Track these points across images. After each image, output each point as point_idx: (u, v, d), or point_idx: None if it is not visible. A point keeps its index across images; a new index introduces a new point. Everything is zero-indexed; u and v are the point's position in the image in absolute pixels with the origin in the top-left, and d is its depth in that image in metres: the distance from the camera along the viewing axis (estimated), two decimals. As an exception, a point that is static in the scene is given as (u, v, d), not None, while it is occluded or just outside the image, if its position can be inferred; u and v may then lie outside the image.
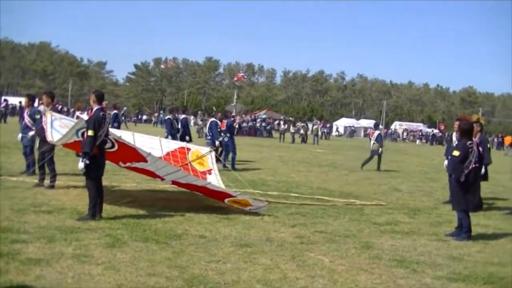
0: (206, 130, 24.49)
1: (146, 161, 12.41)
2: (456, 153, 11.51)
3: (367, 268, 8.80)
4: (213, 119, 24.73)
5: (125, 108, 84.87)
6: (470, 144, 11.51)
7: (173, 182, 13.58)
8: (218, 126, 23.52)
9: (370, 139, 27.93)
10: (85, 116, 11.16)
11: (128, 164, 13.09)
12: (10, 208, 11.56)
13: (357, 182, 21.44)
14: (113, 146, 11.87)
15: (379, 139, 26.22)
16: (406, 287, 8.03)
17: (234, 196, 13.05)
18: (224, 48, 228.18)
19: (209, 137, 23.54)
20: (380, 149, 26.01)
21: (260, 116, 70.81)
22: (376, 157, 26.43)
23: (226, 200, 13.24)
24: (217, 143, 22.71)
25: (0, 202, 12.20)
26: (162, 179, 13.50)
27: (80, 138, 11.63)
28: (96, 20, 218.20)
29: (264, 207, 13.45)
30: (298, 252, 9.52)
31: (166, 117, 23.55)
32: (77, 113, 21.62)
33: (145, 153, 12.34)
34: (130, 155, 12.40)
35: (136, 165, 12.88)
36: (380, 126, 38.40)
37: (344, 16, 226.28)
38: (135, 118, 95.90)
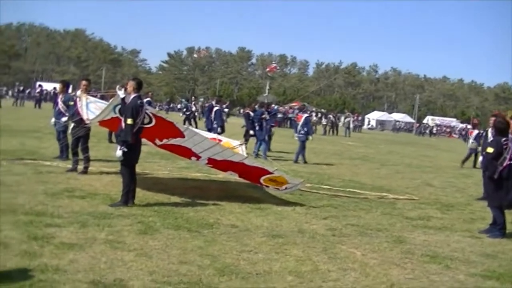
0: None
1: (183, 136, 12.32)
2: (490, 149, 11.36)
3: (399, 263, 8.72)
4: (218, 107, 24.43)
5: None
6: (505, 141, 11.36)
7: (209, 161, 13.31)
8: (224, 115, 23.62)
9: (469, 138, 28.00)
10: (121, 93, 11.10)
11: (164, 141, 12.97)
12: (44, 193, 11.66)
13: (388, 175, 21.33)
14: (150, 121, 11.82)
15: (477, 138, 25.91)
16: (439, 283, 7.92)
17: (270, 173, 12.95)
18: (257, 38, 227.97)
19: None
20: (477, 147, 25.67)
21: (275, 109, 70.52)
22: (472, 155, 26.55)
23: (262, 179, 13.17)
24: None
25: (35, 186, 12.33)
26: (198, 158, 13.28)
27: (117, 115, 11.62)
28: (131, 8, 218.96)
29: (300, 184, 13.41)
30: (330, 245, 9.46)
31: (215, 108, 23.47)
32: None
33: (183, 127, 12.34)
34: (167, 130, 12.33)
35: (172, 142, 12.77)
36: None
37: (378, 9, 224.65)
38: (167, 107, 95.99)
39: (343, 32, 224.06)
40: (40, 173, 14.22)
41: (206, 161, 13.40)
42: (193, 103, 47.91)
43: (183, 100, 63.49)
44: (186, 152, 13.22)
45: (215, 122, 22.76)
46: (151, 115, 11.82)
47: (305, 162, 23.04)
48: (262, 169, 13.05)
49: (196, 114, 44.79)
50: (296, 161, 22.88)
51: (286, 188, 13.40)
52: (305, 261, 8.33)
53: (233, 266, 7.76)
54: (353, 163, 25.48)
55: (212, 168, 14.22)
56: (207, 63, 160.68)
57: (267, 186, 13.56)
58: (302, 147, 23.37)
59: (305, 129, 23.56)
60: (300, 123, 24.02)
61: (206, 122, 23.95)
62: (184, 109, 45.40)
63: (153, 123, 11.91)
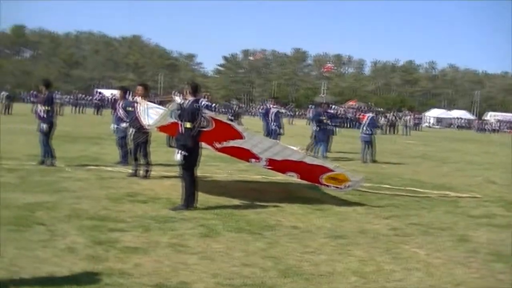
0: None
1: (242, 137, 12.37)
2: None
3: (464, 262, 8.59)
4: (276, 108, 24.34)
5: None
6: None
7: (269, 162, 13.30)
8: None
9: None
10: (178, 99, 11.20)
11: (224, 143, 13.03)
12: (107, 198, 11.84)
13: (449, 173, 21.06)
14: (208, 125, 11.90)
15: None
16: (506, 282, 7.79)
17: (331, 170, 12.90)
18: (312, 39, 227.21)
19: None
20: None
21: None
22: None
23: (322, 178, 13.11)
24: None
25: (98, 192, 12.53)
26: (258, 159, 13.28)
27: (175, 120, 11.72)
28: (185, 12, 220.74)
29: (362, 180, 13.34)
30: (393, 245, 9.38)
31: (274, 110, 23.46)
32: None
33: (241, 128, 12.38)
34: (226, 132, 12.40)
35: (232, 144, 12.83)
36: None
37: (434, 5, 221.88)
38: (223, 110, 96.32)
39: (400, 30, 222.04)
40: (102, 178, 14.44)
41: (266, 163, 13.38)
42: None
43: (234, 102, 63.56)
44: (245, 154, 13.23)
45: (274, 124, 22.74)
46: (209, 118, 11.90)
47: (374, 161, 23.00)
48: (323, 167, 13.01)
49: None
50: (365, 161, 22.87)
51: (347, 186, 13.33)
52: (368, 262, 8.27)
53: (296, 267, 7.75)
54: (413, 162, 25.22)
55: (272, 170, 14.22)
56: (263, 65, 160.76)
57: (327, 186, 13.50)
58: (368, 147, 23.33)
59: (370, 129, 23.52)
60: (365, 122, 23.94)
61: (265, 125, 23.90)
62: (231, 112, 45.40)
63: (212, 126, 11.99)
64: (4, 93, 49.50)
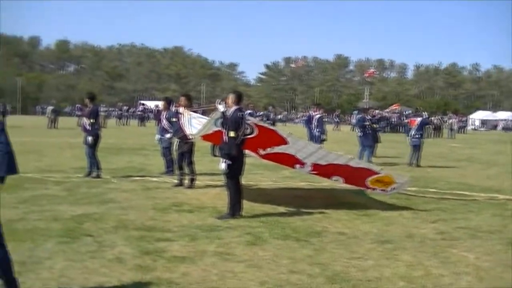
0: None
1: (286, 142, 12.36)
2: None
3: (515, 265, 8.47)
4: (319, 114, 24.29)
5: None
6: None
7: (314, 167, 13.22)
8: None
9: None
10: (221, 107, 11.23)
11: (268, 150, 13.02)
12: (153, 208, 11.93)
13: (497, 176, 20.75)
14: (252, 132, 11.93)
15: None
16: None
17: (377, 173, 12.84)
18: (354, 44, 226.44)
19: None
20: None
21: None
22: None
23: (368, 181, 13.05)
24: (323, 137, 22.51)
25: (144, 202, 12.64)
26: (302, 164, 13.21)
27: (219, 128, 11.77)
28: (227, 22, 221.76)
29: (408, 182, 13.24)
30: (441, 249, 9.27)
31: (317, 116, 23.40)
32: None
33: (285, 133, 12.38)
34: (270, 138, 12.42)
35: (276, 150, 12.82)
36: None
37: (476, 7, 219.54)
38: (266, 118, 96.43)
39: (442, 32, 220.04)
40: (148, 189, 14.57)
41: (311, 168, 13.32)
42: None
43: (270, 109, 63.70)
44: (289, 160, 13.20)
45: (317, 130, 22.66)
46: (252, 125, 11.94)
47: (418, 166, 22.85)
48: (368, 169, 12.94)
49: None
50: (410, 164, 22.76)
51: (393, 189, 13.24)
52: (416, 266, 8.18)
53: (343, 273, 7.70)
54: (459, 165, 24.95)
55: (317, 175, 14.18)
56: (304, 72, 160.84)
57: (373, 189, 13.42)
58: (415, 151, 23.22)
59: (420, 133, 23.42)
60: (415, 127, 23.80)
61: (308, 132, 23.81)
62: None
63: (255, 133, 12.02)
64: (50, 108, 50.26)
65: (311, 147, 12.89)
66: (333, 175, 13.53)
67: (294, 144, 12.45)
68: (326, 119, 25.24)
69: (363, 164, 13.58)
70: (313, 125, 22.68)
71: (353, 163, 12.88)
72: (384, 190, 13.42)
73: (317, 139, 21.37)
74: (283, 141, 12.34)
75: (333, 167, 12.99)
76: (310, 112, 24.86)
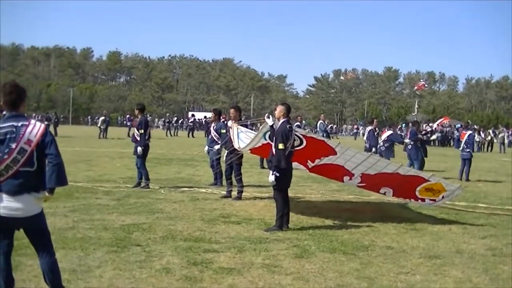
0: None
1: (335, 153, 12.29)
2: None
3: None
4: (370, 127, 24.29)
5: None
6: None
7: (362, 178, 13.09)
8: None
9: None
10: (270, 121, 11.27)
11: (316, 161, 12.96)
12: (201, 219, 11.99)
13: (550, 191, 20.36)
14: (301, 143, 11.93)
15: None
16: None
17: (427, 180, 12.64)
18: (404, 57, 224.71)
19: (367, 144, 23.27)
20: None
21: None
22: None
23: (417, 190, 12.87)
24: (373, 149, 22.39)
25: (192, 213, 12.71)
26: (351, 176, 13.11)
27: (268, 141, 11.79)
28: (276, 34, 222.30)
29: (459, 189, 13.07)
30: (491, 265, 9.12)
31: (369, 128, 23.35)
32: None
33: (334, 143, 12.33)
34: (319, 149, 12.38)
35: (325, 161, 12.76)
36: None
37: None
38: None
39: (493, 45, 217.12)
40: (196, 200, 14.65)
41: (359, 180, 13.21)
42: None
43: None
44: (338, 172, 13.11)
45: (367, 142, 22.59)
46: (301, 136, 11.94)
47: (468, 180, 22.55)
48: (418, 176, 12.77)
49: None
50: (460, 179, 22.48)
51: (443, 197, 13.06)
52: (465, 282, 8.07)
53: (390, 288, 7.66)
54: (510, 180, 24.52)
55: (365, 188, 14.09)
56: (354, 85, 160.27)
57: (423, 200, 13.26)
58: (465, 164, 22.95)
59: (469, 146, 23.15)
60: (464, 140, 23.54)
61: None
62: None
63: (304, 144, 12.02)
64: (101, 118, 50.96)
65: (360, 155, 12.76)
66: (382, 186, 13.39)
67: (343, 153, 12.37)
68: (377, 132, 25.03)
69: (412, 171, 13.41)
70: (366, 138, 22.69)
71: (402, 171, 12.70)
72: (433, 200, 13.24)
73: (368, 151, 21.31)
74: (332, 151, 12.29)
75: (382, 177, 12.85)
76: (371, 128, 24.83)
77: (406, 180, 12.76)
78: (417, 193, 12.95)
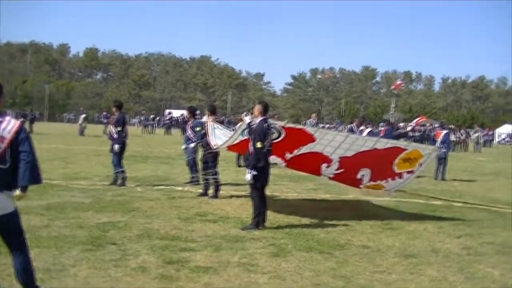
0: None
1: (314, 139, 12.32)
2: None
3: (542, 282, 8.35)
4: (370, 128, 24.24)
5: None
6: None
7: (341, 162, 13.07)
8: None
9: None
10: (247, 119, 11.26)
11: (295, 152, 12.97)
12: (177, 217, 11.95)
13: (524, 191, 20.53)
14: (279, 135, 11.92)
15: None
16: None
17: (404, 149, 12.77)
18: (381, 56, 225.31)
19: None
20: None
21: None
22: None
23: (395, 164, 12.93)
24: None
25: (168, 211, 12.67)
26: (329, 162, 13.13)
27: (246, 137, 11.77)
28: (253, 32, 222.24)
29: (433, 151, 13.53)
30: (466, 264, 9.17)
31: (368, 130, 23.38)
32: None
33: (313, 130, 12.32)
34: (297, 138, 12.40)
35: (303, 150, 12.77)
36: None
37: (505, 20, 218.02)
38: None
39: (470, 45, 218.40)
40: (172, 198, 14.60)
41: (338, 165, 13.24)
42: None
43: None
44: (316, 161, 13.13)
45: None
46: (279, 128, 11.94)
47: (443, 179, 22.64)
48: (395, 147, 12.83)
49: None
50: (435, 178, 22.56)
51: (420, 165, 13.04)
52: (441, 281, 8.12)
53: (366, 287, 7.67)
54: (485, 179, 24.71)
55: (343, 181, 14.11)
56: (331, 84, 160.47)
57: (400, 177, 13.20)
58: (441, 164, 23.01)
59: (445, 146, 23.23)
60: (440, 139, 23.63)
61: None
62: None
63: (283, 135, 12.04)
64: (83, 116, 50.88)
65: (340, 137, 12.74)
66: (360, 168, 13.34)
67: (322, 139, 12.38)
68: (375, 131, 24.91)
69: (390, 143, 13.33)
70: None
71: (379, 145, 12.74)
72: (411, 172, 13.22)
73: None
74: (310, 138, 12.29)
75: (361, 157, 12.86)
76: (352, 126, 24.70)
77: (384, 155, 12.81)
78: (395, 167, 12.97)
